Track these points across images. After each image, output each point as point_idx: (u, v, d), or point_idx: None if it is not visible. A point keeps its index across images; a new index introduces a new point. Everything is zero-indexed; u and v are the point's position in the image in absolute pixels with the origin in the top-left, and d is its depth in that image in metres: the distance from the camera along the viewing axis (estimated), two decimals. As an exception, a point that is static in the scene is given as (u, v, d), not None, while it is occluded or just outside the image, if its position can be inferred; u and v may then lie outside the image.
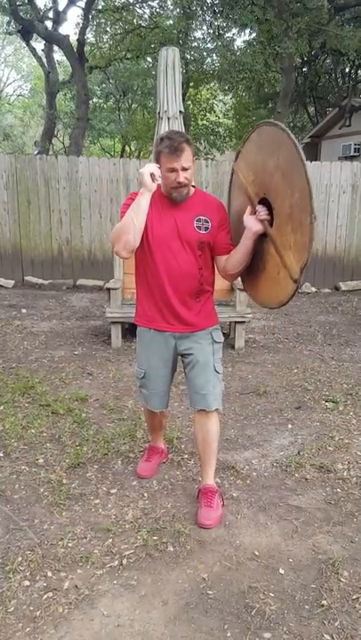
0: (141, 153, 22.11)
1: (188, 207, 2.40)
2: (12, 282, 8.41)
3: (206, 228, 2.40)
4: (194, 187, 2.48)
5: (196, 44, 14.74)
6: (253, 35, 13.30)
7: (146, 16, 14.56)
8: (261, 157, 2.39)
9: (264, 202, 2.38)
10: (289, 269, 2.32)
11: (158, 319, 2.50)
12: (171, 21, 14.14)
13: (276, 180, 2.29)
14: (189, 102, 17.30)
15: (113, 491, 2.76)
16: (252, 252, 2.36)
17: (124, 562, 2.23)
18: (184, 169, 2.28)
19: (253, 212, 2.35)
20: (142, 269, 2.48)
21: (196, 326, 2.49)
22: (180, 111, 5.22)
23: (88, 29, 13.20)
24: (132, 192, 2.44)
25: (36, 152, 14.79)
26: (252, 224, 2.32)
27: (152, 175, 2.25)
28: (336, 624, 1.93)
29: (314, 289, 8.63)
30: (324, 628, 1.92)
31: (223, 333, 3.70)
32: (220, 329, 2.61)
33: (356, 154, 14.35)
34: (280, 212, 2.33)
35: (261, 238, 2.37)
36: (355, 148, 14.49)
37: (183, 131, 5.29)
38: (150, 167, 2.25)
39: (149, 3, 14.57)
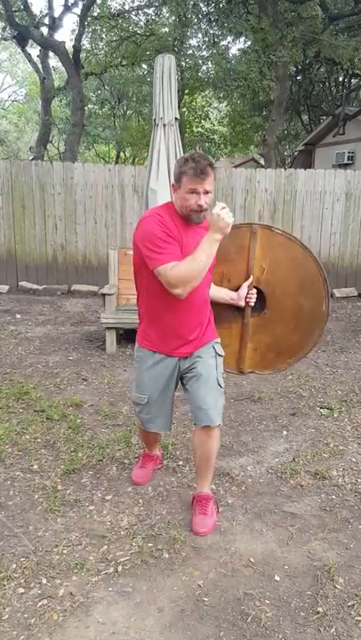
0: (136, 159, 22.18)
1: (203, 229, 2.34)
2: (7, 287, 8.40)
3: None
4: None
5: (191, 51, 14.83)
6: (248, 43, 13.40)
7: (141, 23, 14.65)
8: (288, 268, 2.62)
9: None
10: (240, 360, 2.78)
11: (167, 345, 2.43)
12: (166, 29, 14.22)
13: (288, 304, 2.65)
14: (185, 109, 17.37)
15: (108, 497, 2.75)
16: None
17: (120, 569, 2.22)
18: (206, 192, 2.24)
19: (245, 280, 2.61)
20: (155, 294, 2.33)
21: (200, 343, 2.45)
22: (176, 118, 5.23)
23: (84, 36, 13.24)
24: (156, 217, 2.26)
25: (30, 157, 14.79)
26: (241, 297, 2.60)
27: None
28: (332, 631, 1.93)
29: (308, 296, 8.65)
30: (319, 634, 1.92)
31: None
32: (220, 342, 2.57)
33: (350, 162, 14.48)
34: (270, 320, 2.69)
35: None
36: (348, 156, 14.62)
37: (179, 138, 5.31)
38: (230, 215, 2.21)
39: (145, 10, 14.67)
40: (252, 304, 2.64)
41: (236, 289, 2.63)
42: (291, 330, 2.69)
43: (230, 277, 2.64)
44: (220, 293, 2.61)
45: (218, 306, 2.62)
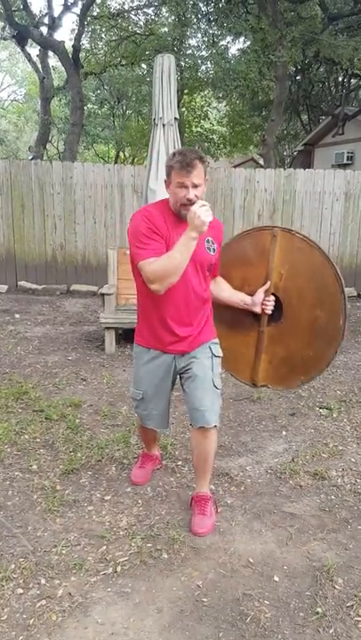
0: (135, 159, 22.16)
1: None
2: (6, 287, 8.39)
3: (213, 250, 2.40)
4: None
5: (190, 51, 14.82)
6: (248, 43, 13.40)
7: (141, 23, 14.64)
8: (306, 275, 2.50)
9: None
10: (254, 371, 2.69)
11: (160, 341, 2.43)
12: (166, 29, 14.21)
13: (304, 315, 2.52)
14: (184, 109, 17.35)
15: (107, 497, 2.75)
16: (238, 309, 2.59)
17: (119, 569, 2.21)
18: (195, 185, 2.22)
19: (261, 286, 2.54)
20: (147, 291, 2.32)
21: (196, 343, 2.44)
22: (176, 118, 5.23)
23: (83, 36, 13.23)
24: (144, 212, 2.30)
25: (30, 157, 14.78)
26: (256, 302, 2.52)
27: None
28: (331, 631, 1.93)
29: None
30: (318, 635, 1.92)
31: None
32: (218, 343, 2.55)
33: (349, 162, 14.48)
34: (285, 332, 2.58)
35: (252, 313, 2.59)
36: (348, 156, 14.62)
37: (178, 137, 5.31)
38: (209, 214, 2.15)
39: (145, 10, 14.66)
40: (269, 312, 2.54)
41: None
42: (305, 344, 2.56)
43: (250, 282, 2.56)
44: (234, 297, 2.57)
45: (237, 311, 2.57)
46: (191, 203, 2.22)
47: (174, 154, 2.28)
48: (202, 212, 2.12)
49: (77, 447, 3.26)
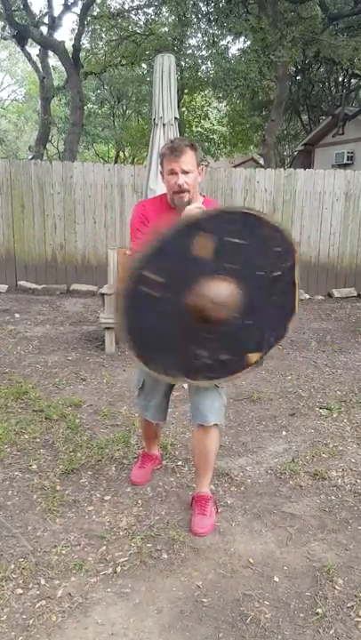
0: (135, 159, 22.16)
1: None
2: (6, 286, 8.38)
3: None
4: (203, 196, 2.41)
5: (190, 51, 14.82)
6: (248, 43, 13.39)
7: (141, 23, 14.64)
8: None
9: None
10: None
11: None
12: (166, 28, 14.21)
13: None
14: (184, 109, 17.34)
15: (107, 497, 2.74)
16: None
17: (118, 569, 2.21)
18: (184, 172, 2.22)
19: None
20: None
21: None
22: (176, 118, 5.22)
23: (83, 35, 13.23)
24: (139, 206, 2.37)
25: (30, 157, 14.77)
26: None
27: None
28: (331, 632, 1.93)
29: (307, 296, 8.66)
30: (318, 636, 1.91)
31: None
32: None
33: (350, 162, 14.49)
34: None
35: None
36: (348, 156, 14.63)
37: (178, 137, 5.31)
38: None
39: (145, 10, 14.66)
40: None
41: None
42: None
43: None
44: None
45: None
46: (181, 189, 2.23)
47: (166, 143, 2.32)
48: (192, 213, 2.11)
49: (77, 447, 3.25)
